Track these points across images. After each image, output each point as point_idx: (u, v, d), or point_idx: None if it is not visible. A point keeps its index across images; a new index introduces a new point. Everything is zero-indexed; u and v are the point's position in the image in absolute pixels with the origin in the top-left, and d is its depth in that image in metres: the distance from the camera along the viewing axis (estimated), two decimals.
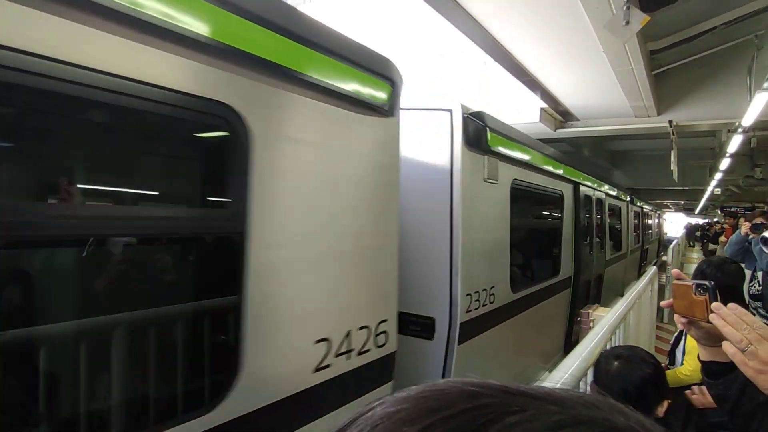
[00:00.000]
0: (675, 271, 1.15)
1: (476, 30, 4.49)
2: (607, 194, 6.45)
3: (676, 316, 1.10)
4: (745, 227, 3.75)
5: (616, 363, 1.53)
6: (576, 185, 4.78)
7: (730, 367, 1.02)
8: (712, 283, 0.99)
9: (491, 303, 2.90)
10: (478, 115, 2.73)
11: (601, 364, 1.57)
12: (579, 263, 4.70)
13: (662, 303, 1.22)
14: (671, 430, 1.61)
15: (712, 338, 1.05)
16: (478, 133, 2.69)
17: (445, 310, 2.57)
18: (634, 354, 1.57)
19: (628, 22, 3.33)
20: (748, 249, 3.76)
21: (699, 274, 2.36)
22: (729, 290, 2.18)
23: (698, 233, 20.19)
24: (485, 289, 2.82)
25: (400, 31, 6.55)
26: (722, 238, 9.27)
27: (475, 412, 0.30)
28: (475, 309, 2.72)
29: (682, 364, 2.58)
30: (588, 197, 5.29)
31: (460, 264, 2.56)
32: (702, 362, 1.12)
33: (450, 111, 2.63)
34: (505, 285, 3.12)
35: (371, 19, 7.44)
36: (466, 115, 2.65)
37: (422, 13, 4.18)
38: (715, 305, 0.96)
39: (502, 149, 2.96)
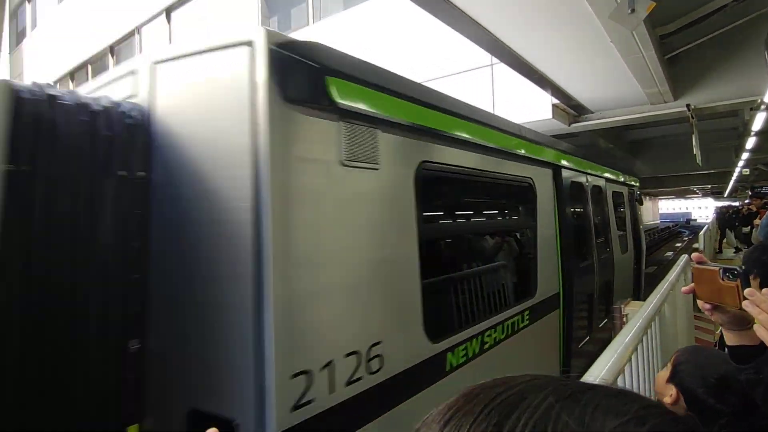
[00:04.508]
0: (696, 255, 1.09)
1: (482, 34, 4.50)
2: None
3: (699, 302, 1.05)
4: None
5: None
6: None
7: (759, 349, 0.99)
8: (743, 267, 0.95)
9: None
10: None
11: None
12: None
13: (683, 289, 1.16)
14: None
15: (739, 322, 1.01)
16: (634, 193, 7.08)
17: None
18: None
19: (633, 10, 3.28)
20: None
21: (757, 261, 2.05)
22: None
23: (733, 216, 19.27)
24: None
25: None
26: (756, 221, 8.93)
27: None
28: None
29: None
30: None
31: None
32: (729, 347, 1.07)
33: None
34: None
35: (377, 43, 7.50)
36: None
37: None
38: (748, 291, 0.91)
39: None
